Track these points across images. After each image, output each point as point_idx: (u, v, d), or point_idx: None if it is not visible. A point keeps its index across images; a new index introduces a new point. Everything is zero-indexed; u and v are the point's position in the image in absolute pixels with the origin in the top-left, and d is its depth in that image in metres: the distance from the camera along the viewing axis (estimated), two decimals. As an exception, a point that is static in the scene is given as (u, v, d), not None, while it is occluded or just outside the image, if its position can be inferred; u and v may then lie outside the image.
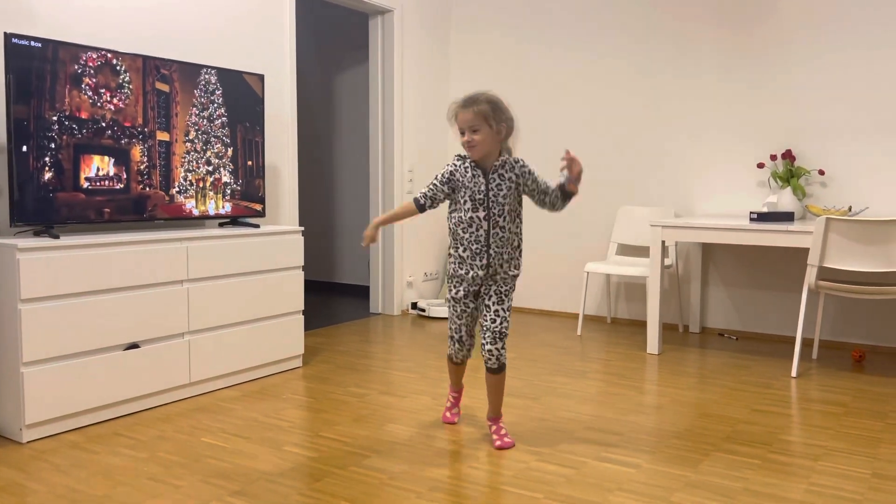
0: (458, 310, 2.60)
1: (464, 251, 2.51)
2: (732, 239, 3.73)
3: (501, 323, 2.53)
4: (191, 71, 3.27)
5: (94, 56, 2.90)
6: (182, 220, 3.31)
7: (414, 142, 5.12)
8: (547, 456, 2.47)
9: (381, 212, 5.05)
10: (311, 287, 6.19)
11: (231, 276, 3.28)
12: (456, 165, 2.50)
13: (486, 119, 2.41)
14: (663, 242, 3.91)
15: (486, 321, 2.54)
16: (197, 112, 3.30)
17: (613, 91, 4.74)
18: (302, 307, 3.62)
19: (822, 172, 4.09)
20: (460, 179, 2.48)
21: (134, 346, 2.90)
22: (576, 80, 4.87)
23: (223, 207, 3.45)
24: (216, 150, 3.40)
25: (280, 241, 3.50)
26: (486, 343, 2.54)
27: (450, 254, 2.57)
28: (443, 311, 4.86)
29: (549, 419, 2.86)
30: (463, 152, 2.51)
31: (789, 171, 4.08)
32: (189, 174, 3.29)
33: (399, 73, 4.94)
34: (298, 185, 5.38)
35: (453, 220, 2.52)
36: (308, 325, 4.59)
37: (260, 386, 3.31)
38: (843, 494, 2.17)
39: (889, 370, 3.60)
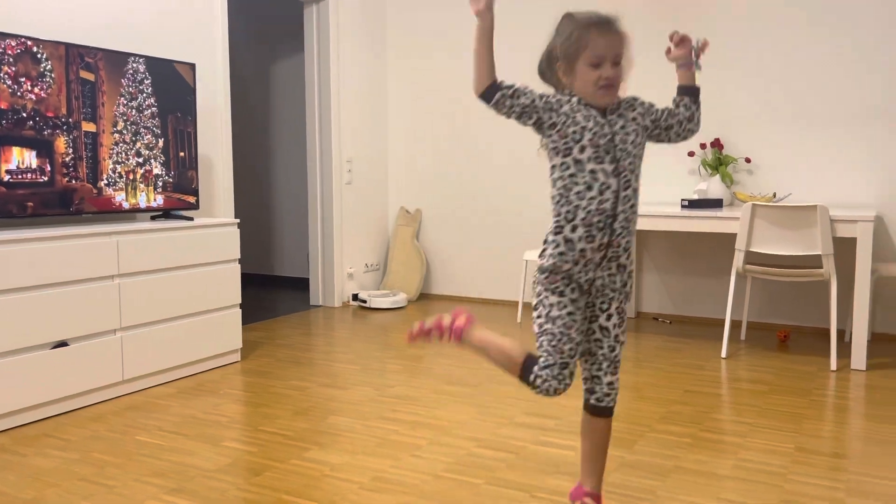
0: (567, 314, 1.74)
1: (573, 230, 1.70)
2: (665, 226, 3.84)
3: (621, 348, 1.85)
4: (117, 59, 3.16)
5: (14, 44, 2.78)
6: (112, 213, 3.20)
7: (352, 132, 5.07)
8: (487, 442, 2.51)
9: (319, 204, 5.00)
10: (249, 280, 6.09)
11: (164, 270, 3.19)
12: (561, 97, 1.73)
13: (627, 47, 1.73)
14: (599, 230, 3.99)
15: (604, 345, 1.82)
16: (125, 102, 3.20)
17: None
18: (239, 301, 3.56)
19: (748, 160, 4.24)
20: (568, 113, 1.70)
21: (62, 344, 2.80)
22: (518, 60, 4.90)
23: (155, 200, 3.36)
24: (146, 142, 3.30)
25: (215, 233, 3.43)
26: (607, 373, 1.83)
27: (547, 239, 1.76)
28: (384, 302, 4.86)
29: (489, 406, 2.89)
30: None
31: (718, 160, 4.21)
32: (118, 166, 3.18)
33: (336, 62, 4.88)
34: (234, 177, 5.28)
35: (562, 180, 1.72)
36: (247, 319, 4.52)
37: (196, 382, 3.25)
38: (769, 468, 2.27)
39: (811, 349, 3.77)
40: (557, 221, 1.73)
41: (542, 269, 1.78)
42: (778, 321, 4.27)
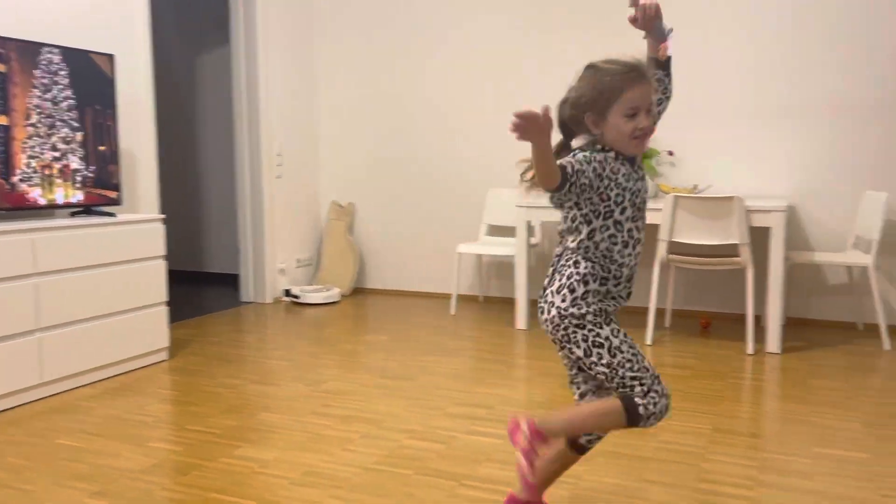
0: (625, 335, 1.71)
1: (616, 284, 1.70)
2: (592, 217, 3.93)
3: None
4: (30, 50, 3.03)
5: (-86, 31, 2.63)
6: (27, 210, 3.08)
7: (282, 125, 5.01)
8: (419, 434, 2.53)
9: (249, 199, 4.91)
10: (177, 277, 5.93)
11: (85, 268, 3.09)
12: (601, 158, 1.65)
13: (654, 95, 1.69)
14: (529, 223, 4.06)
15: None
16: (39, 94, 3.07)
17: (486, 71, 4.84)
18: (165, 298, 3.47)
19: (671, 153, 4.38)
20: (610, 176, 1.65)
21: (-25, 347, 2.68)
22: (447, 49, 4.93)
23: (74, 196, 3.24)
24: (63, 135, 3.18)
25: (138, 230, 3.33)
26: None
27: (578, 289, 1.68)
28: (317, 297, 4.82)
29: (422, 398, 2.92)
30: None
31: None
32: (33, 160, 3.06)
33: (263, 53, 4.80)
34: (160, 172, 5.13)
35: (604, 241, 1.68)
36: (175, 317, 4.42)
37: (121, 382, 3.16)
38: (688, 449, 2.37)
39: (731, 334, 3.94)
40: (604, 276, 1.68)
41: (578, 316, 1.67)
42: (700, 308, 4.43)
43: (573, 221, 1.70)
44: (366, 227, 5.30)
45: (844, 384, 3.06)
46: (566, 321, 1.67)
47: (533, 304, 4.75)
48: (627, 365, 1.66)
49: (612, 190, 1.65)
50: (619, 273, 1.69)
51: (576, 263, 1.68)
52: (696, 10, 4.27)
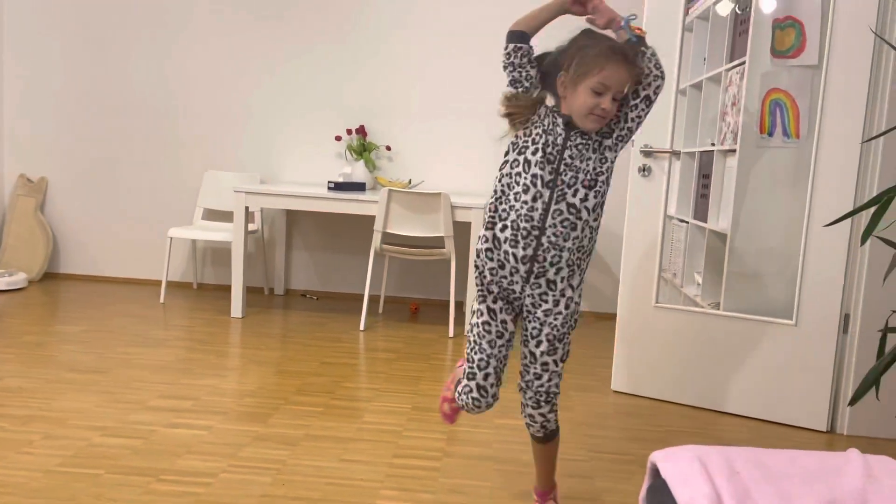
0: (482, 323, 1.74)
1: (503, 229, 1.69)
2: (312, 206, 3.99)
3: (550, 379, 1.76)
4: None
5: None
6: None
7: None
8: (112, 430, 2.37)
9: None
10: None
11: None
12: (547, 110, 1.71)
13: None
14: (247, 208, 3.99)
15: (529, 372, 1.77)
16: None
17: (207, 48, 4.61)
18: None
19: (388, 148, 4.60)
20: (541, 115, 1.71)
21: None
22: (167, 19, 4.61)
23: None
24: None
25: None
26: (528, 404, 1.80)
27: (479, 233, 1.74)
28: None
29: (118, 392, 2.73)
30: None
31: (362, 145, 4.49)
32: None
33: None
34: None
35: (508, 177, 1.70)
36: None
37: None
38: (387, 427, 2.54)
39: (436, 319, 4.27)
40: (491, 217, 1.71)
41: (475, 266, 1.77)
42: (411, 295, 4.73)
43: (504, 159, 1.74)
44: (62, 205, 4.76)
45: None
46: None
47: (253, 292, 4.67)
48: (468, 345, 1.76)
49: (536, 127, 1.68)
50: (505, 216, 1.68)
51: (489, 209, 1.74)
52: (413, 19, 4.52)
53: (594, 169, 1.67)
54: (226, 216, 4.55)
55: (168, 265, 4.36)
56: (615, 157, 1.71)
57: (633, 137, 1.76)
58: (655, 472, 1.35)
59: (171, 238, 4.28)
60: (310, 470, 2.17)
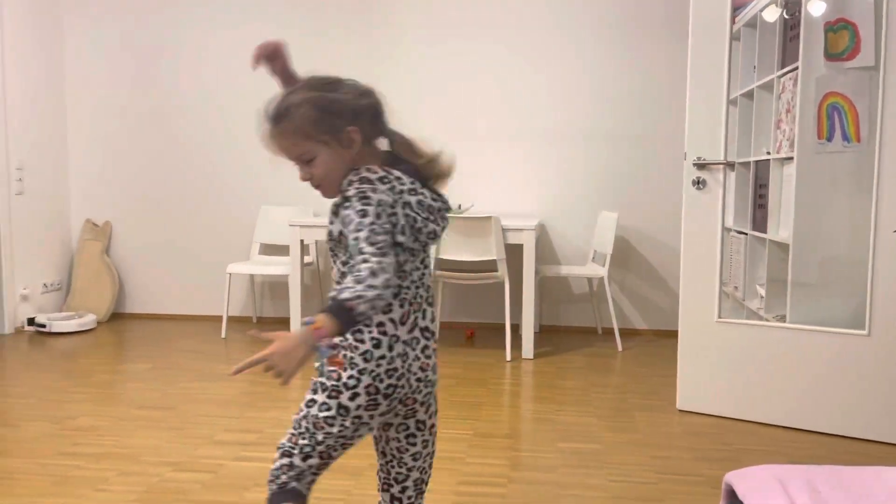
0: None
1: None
2: (364, 236, 4.03)
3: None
4: None
5: None
6: None
7: (23, 137, 4.50)
8: (182, 465, 2.42)
9: (-17, 216, 4.35)
10: None
11: None
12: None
13: (315, 135, 1.43)
14: (302, 241, 4.06)
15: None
16: None
17: (259, 85, 4.75)
18: None
19: (437, 175, 4.63)
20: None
21: None
22: (219, 56, 4.77)
23: None
24: None
25: None
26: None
27: None
28: (69, 325, 4.39)
29: (186, 427, 2.79)
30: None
31: (411, 174, 4.54)
32: None
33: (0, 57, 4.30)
34: None
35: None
36: None
37: None
38: (450, 454, 2.52)
39: (492, 343, 4.25)
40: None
41: None
42: (466, 320, 4.72)
43: None
44: (124, 248, 4.93)
45: (584, 382, 3.44)
46: None
47: (308, 323, 4.74)
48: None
49: None
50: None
51: None
52: (460, 44, 4.58)
53: (336, 246, 1.45)
54: (281, 250, 4.64)
55: (228, 300, 4.46)
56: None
57: None
58: (731, 494, 1.31)
59: (230, 274, 4.38)
60: (375, 500, 2.17)
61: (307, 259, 4.52)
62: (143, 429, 2.77)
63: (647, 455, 2.52)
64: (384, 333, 1.42)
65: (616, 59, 4.47)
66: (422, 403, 1.51)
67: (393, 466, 1.60)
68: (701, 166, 2.93)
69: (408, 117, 4.75)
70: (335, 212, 1.41)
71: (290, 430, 1.53)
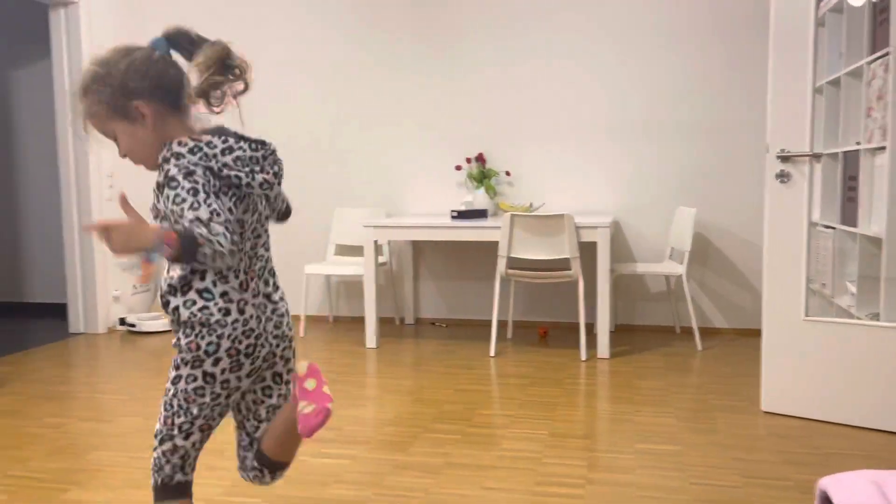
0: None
1: None
2: (437, 236, 4.07)
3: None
4: None
5: None
6: None
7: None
8: (265, 460, 2.49)
9: (76, 223, 4.59)
10: (-6, 309, 5.42)
11: None
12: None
13: (106, 114, 1.50)
14: (376, 242, 4.12)
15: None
16: None
17: (333, 88, 4.85)
18: (-21, 334, 3.17)
19: (508, 174, 4.62)
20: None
21: None
22: (287, 77, 4.89)
23: None
24: None
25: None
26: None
27: None
28: (157, 325, 4.58)
29: (269, 423, 2.86)
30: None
31: (482, 173, 4.54)
32: None
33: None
34: (-30, 194, 4.68)
35: None
36: (-9, 354, 4.03)
37: (-74, 430, 2.85)
38: (526, 455, 2.51)
39: (566, 342, 4.20)
40: None
41: None
42: (539, 318, 4.69)
43: None
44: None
45: (663, 383, 3.36)
46: None
47: (385, 322, 4.81)
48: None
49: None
50: None
51: None
52: (532, 37, 4.55)
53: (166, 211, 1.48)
54: (356, 251, 4.72)
55: (306, 300, 4.57)
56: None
57: None
58: (826, 499, 1.25)
59: (308, 274, 4.49)
60: (453, 499, 2.18)
61: (381, 259, 4.58)
62: (228, 425, 2.86)
63: (730, 457, 2.44)
64: (230, 301, 1.50)
65: (692, 49, 4.35)
66: (281, 357, 1.62)
67: (248, 420, 1.69)
68: (785, 159, 2.81)
69: (477, 114, 4.75)
70: (160, 191, 1.46)
71: (161, 413, 1.57)
